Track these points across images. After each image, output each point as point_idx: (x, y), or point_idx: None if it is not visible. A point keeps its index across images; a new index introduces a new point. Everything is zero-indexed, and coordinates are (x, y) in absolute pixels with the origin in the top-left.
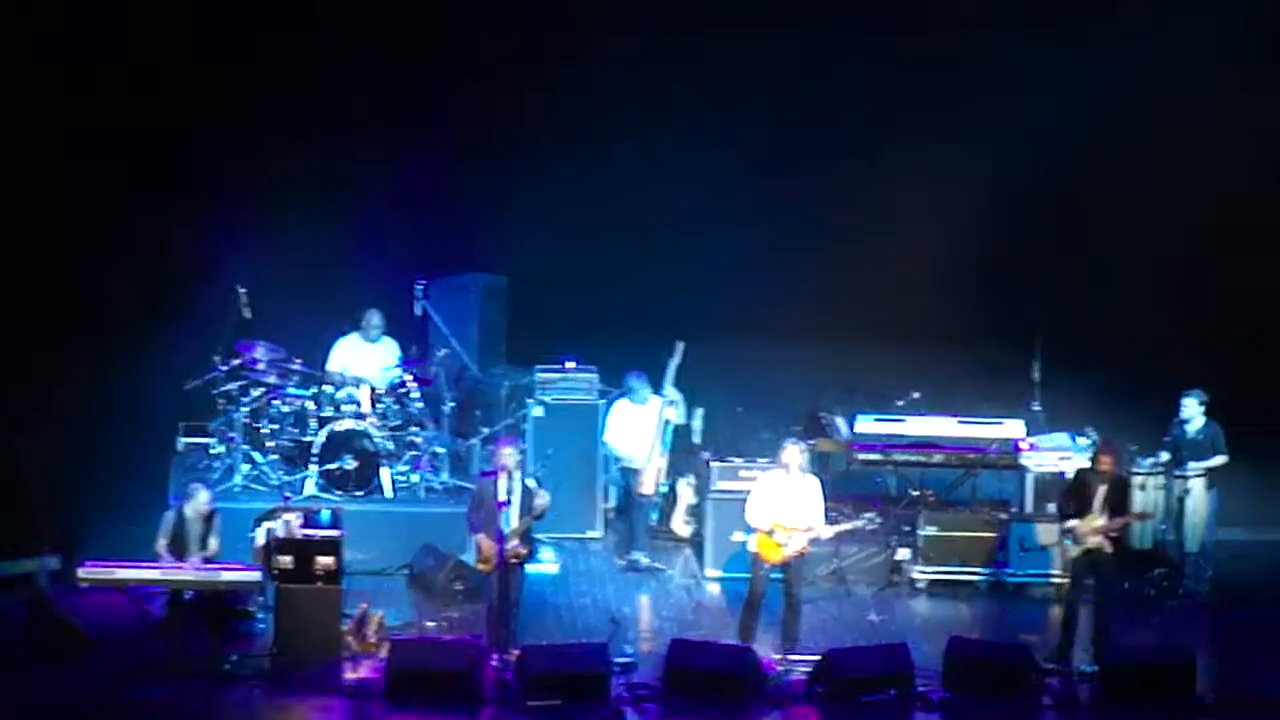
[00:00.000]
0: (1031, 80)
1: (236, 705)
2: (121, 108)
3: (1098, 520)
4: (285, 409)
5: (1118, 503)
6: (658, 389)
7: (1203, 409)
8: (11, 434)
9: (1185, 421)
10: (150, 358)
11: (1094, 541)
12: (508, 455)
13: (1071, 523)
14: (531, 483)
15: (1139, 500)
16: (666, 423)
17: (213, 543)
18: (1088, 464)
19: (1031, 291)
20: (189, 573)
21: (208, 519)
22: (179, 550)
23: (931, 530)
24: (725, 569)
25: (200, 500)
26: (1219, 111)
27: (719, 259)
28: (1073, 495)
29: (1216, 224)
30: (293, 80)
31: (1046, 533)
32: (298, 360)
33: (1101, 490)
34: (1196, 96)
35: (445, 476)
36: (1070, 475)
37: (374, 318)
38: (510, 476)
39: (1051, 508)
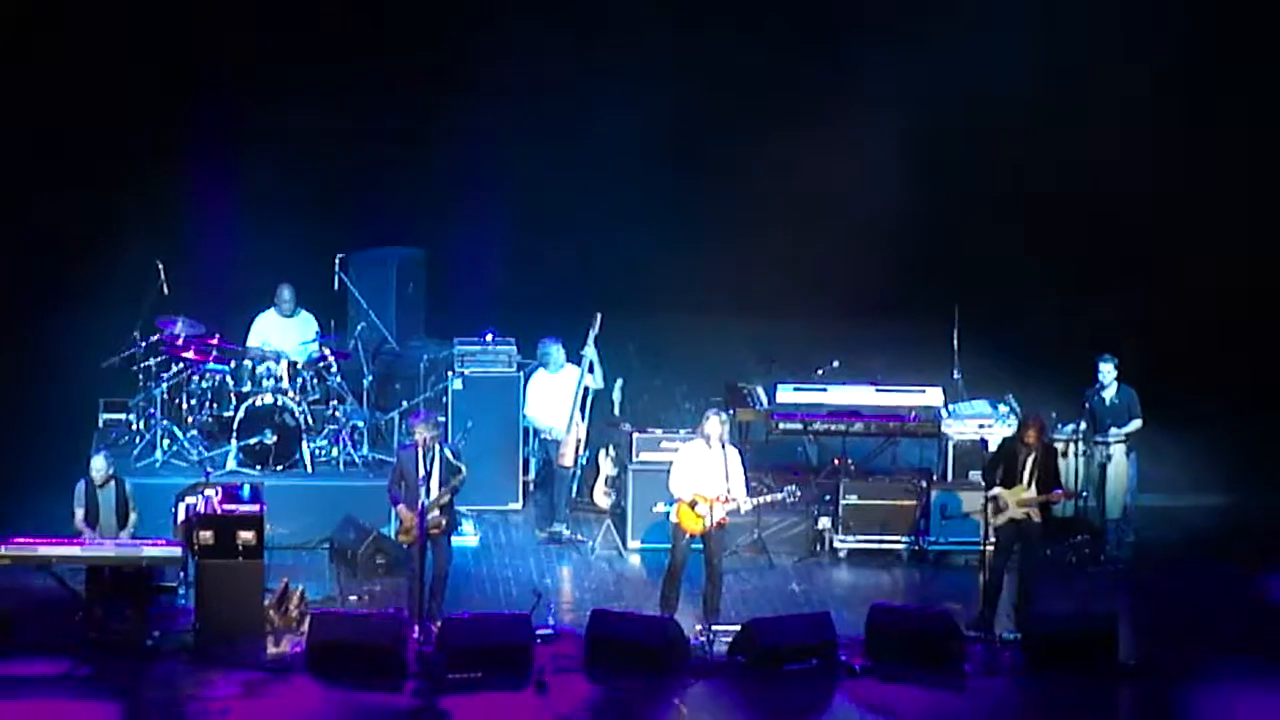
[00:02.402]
0: (941, 49)
1: (159, 681)
2: (41, 76)
3: (1025, 493)
4: (205, 384)
5: (1046, 474)
6: (575, 358)
7: (1116, 374)
8: None
9: (1103, 387)
10: (69, 334)
11: (1021, 512)
12: (420, 431)
13: (997, 491)
14: (450, 454)
15: (1061, 469)
16: (585, 389)
17: (131, 516)
18: (1013, 434)
19: (949, 260)
20: (110, 549)
21: (107, 485)
22: (92, 520)
23: (852, 499)
24: (646, 540)
25: (96, 466)
26: (1132, 79)
27: (637, 232)
28: (999, 464)
29: (1133, 189)
30: (214, 53)
31: (968, 501)
32: (217, 335)
33: (1029, 461)
34: (1105, 64)
35: (365, 450)
36: (994, 443)
37: (284, 292)
38: (428, 450)
39: (974, 475)
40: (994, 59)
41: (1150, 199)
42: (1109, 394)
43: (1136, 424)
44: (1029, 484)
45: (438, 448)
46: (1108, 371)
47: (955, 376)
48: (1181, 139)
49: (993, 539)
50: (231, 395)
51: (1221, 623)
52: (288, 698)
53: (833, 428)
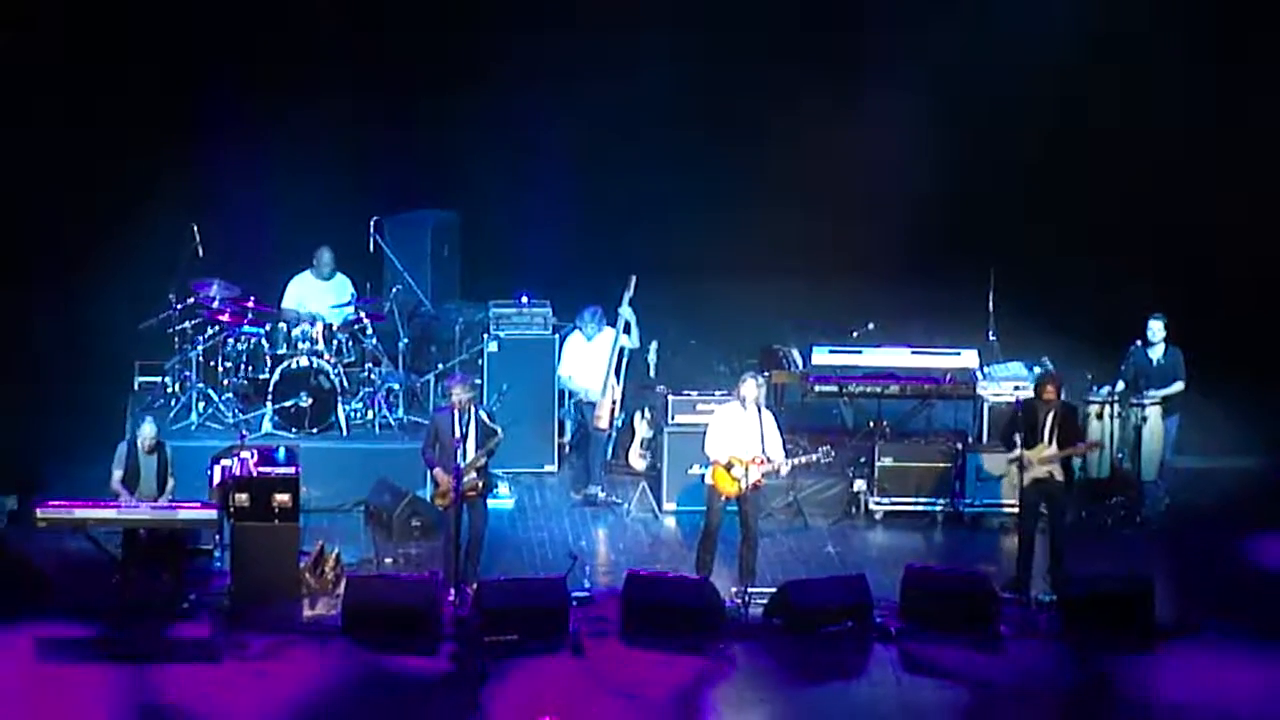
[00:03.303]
0: (976, 15)
1: (194, 644)
2: (72, 44)
3: (1046, 450)
4: (240, 347)
5: (1066, 431)
6: (612, 321)
7: (1165, 333)
8: None
9: (1150, 345)
10: (105, 297)
11: (1044, 471)
12: (458, 393)
13: (1019, 452)
14: (485, 416)
15: (1094, 429)
16: (622, 350)
17: (169, 482)
18: (1031, 395)
19: (985, 222)
20: (146, 511)
21: (154, 451)
22: (131, 484)
23: (888, 461)
24: (681, 502)
25: (146, 434)
26: (1159, 44)
27: (673, 193)
28: (1020, 425)
29: (1167, 153)
30: (244, 18)
31: (990, 463)
32: (252, 298)
33: (1049, 419)
34: (1137, 30)
35: (400, 413)
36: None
37: (325, 254)
38: (463, 413)
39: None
40: (1030, 25)
41: (1189, 163)
42: (1156, 353)
43: (1178, 386)
44: (1050, 441)
45: (473, 410)
46: (1157, 329)
47: (991, 338)
48: (1221, 105)
49: (1019, 502)
50: (267, 358)
51: (1255, 585)
52: (323, 661)
53: (868, 390)
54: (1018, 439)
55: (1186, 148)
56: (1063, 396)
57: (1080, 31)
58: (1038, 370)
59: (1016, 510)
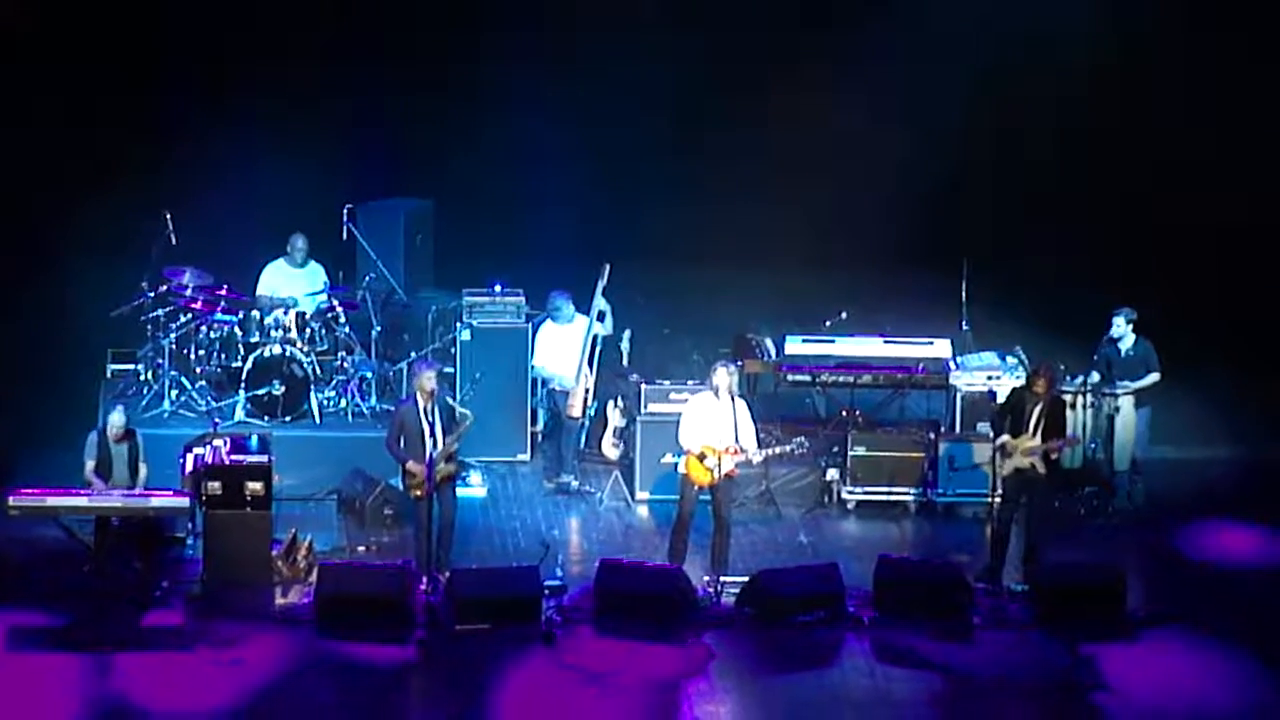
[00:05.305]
0: (955, 9)
1: (167, 632)
2: (43, 33)
3: (1029, 441)
4: (213, 335)
5: (1052, 424)
6: (584, 309)
7: (1131, 326)
8: None
9: (1117, 340)
10: (77, 284)
11: (1025, 461)
12: (427, 379)
13: (1004, 439)
14: (452, 401)
15: (1068, 419)
16: (595, 338)
17: (141, 470)
18: (1023, 383)
19: (958, 211)
20: (118, 499)
21: (125, 439)
22: (104, 474)
23: (861, 450)
24: (654, 491)
25: (115, 423)
26: (1153, 43)
27: (645, 183)
28: (1007, 413)
29: (1149, 141)
30: (217, 7)
31: (976, 452)
32: (225, 286)
33: (1036, 411)
34: (1131, 28)
35: (373, 401)
36: (1003, 393)
37: (298, 241)
38: (430, 399)
39: (982, 427)
40: (1017, 19)
41: (1167, 151)
42: (1125, 345)
43: (1154, 378)
44: (1034, 433)
45: (433, 399)
46: (1119, 325)
47: (964, 328)
48: (1203, 91)
49: (999, 490)
50: (239, 346)
51: (1225, 577)
52: (295, 649)
53: (841, 379)
54: (1005, 426)
55: (1159, 141)
56: (1054, 391)
57: (1061, 23)
58: (1011, 360)
59: (997, 498)
